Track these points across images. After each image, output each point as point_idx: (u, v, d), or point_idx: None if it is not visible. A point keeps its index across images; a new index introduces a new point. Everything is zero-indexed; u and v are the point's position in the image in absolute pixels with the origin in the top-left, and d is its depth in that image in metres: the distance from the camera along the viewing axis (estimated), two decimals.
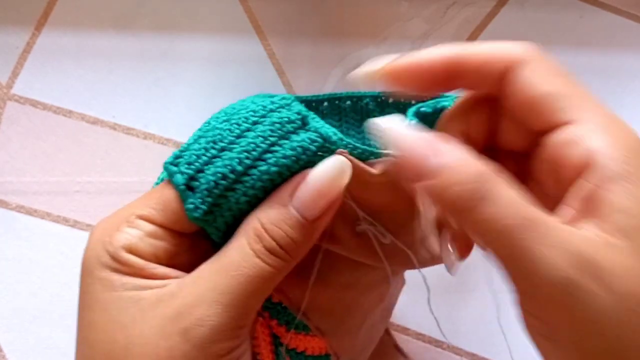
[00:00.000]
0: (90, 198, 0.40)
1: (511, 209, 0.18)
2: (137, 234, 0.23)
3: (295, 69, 0.42)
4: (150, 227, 0.24)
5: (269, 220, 0.23)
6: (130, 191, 0.40)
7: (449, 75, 0.22)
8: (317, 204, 0.22)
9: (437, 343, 0.41)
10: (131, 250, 0.23)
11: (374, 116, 0.38)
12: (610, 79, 0.43)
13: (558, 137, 0.20)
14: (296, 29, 0.42)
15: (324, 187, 0.22)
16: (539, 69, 0.21)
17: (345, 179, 0.23)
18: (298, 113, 0.24)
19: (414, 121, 0.33)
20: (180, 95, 0.41)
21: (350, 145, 0.24)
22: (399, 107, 0.39)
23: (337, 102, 0.39)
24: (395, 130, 0.20)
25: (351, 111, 0.39)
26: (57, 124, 0.41)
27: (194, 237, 0.25)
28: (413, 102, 0.38)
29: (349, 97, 0.38)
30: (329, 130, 0.24)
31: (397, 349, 0.35)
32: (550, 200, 0.20)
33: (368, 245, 0.25)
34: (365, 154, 0.24)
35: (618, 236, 0.18)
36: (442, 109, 0.34)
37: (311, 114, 0.24)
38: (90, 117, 0.41)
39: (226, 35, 0.42)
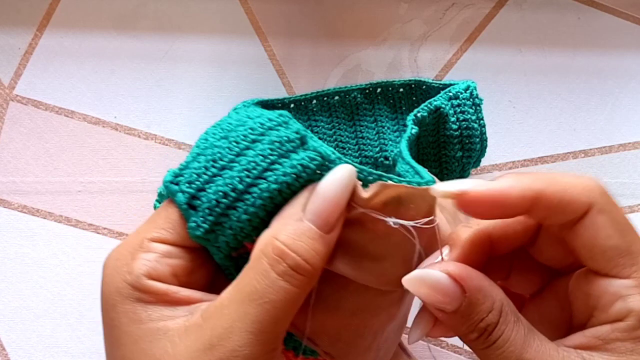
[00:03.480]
0: (93, 198, 0.40)
1: (513, 355, 0.22)
2: (154, 257, 0.23)
3: (295, 69, 0.42)
4: (164, 248, 0.24)
5: (289, 236, 0.22)
6: (132, 191, 0.40)
7: (526, 209, 0.23)
8: (331, 213, 0.22)
9: (437, 342, 0.41)
10: (151, 276, 0.23)
11: (364, 108, 0.39)
12: (607, 80, 0.43)
13: (607, 286, 0.23)
14: (296, 30, 0.42)
15: (335, 196, 0.22)
16: (609, 220, 0.23)
17: (352, 186, 0.23)
18: (297, 132, 0.24)
19: (415, 130, 0.33)
20: (181, 96, 0.41)
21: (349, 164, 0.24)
22: (387, 98, 0.39)
23: (325, 98, 0.39)
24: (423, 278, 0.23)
25: (340, 106, 0.39)
26: (59, 124, 0.41)
27: (207, 252, 0.25)
28: (401, 89, 0.39)
29: (337, 92, 0.39)
30: (328, 150, 0.24)
31: (401, 347, 0.35)
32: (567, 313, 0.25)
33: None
34: (362, 174, 0.24)
35: None
36: (437, 108, 0.35)
37: (309, 133, 0.24)
38: (92, 117, 0.41)
39: (227, 36, 0.42)
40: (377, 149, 0.38)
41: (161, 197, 0.29)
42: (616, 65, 0.43)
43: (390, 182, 0.23)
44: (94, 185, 0.41)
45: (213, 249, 0.24)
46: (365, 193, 0.23)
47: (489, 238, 0.25)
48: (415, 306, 0.35)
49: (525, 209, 0.23)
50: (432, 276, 0.23)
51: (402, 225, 0.23)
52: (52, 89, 0.41)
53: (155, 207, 0.29)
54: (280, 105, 0.37)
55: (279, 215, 0.23)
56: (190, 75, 0.42)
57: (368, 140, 0.38)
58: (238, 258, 0.24)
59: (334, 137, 0.39)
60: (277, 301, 0.22)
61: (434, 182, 0.24)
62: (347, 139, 0.39)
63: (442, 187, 0.23)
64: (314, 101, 0.39)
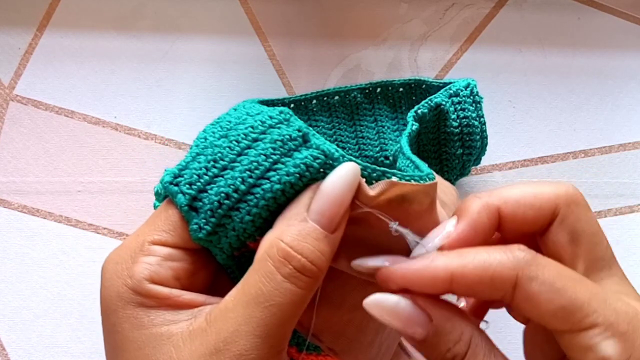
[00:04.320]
0: (92, 198, 0.40)
1: None
2: (155, 260, 0.23)
3: (295, 69, 0.42)
4: (166, 251, 0.23)
5: (293, 237, 0.22)
6: (132, 191, 0.40)
7: (446, 289, 0.23)
8: (336, 212, 0.22)
9: None
10: (153, 280, 0.23)
11: (364, 107, 0.39)
12: (607, 80, 0.43)
13: (573, 340, 0.22)
14: (296, 30, 0.42)
15: (340, 194, 0.22)
16: (542, 285, 0.21)
17: (356, 184, 0.22)
18: (299, 130, 0.23)
19: (415, 126, 0.33)
20: (181, 96, 0.41)
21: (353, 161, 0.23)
22: (387, 97, 0.39)
23: (325, 98, 0.39)
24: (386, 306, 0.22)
25: (340, 106, 0.39)
26: (59, 124, 0.41)
27: (208, 253, 0.25)
28: (401, 89, 0.39)
29: (337, 92, 0.39)
30: (331, 147, 0.23)
31: (401, 347, 0.35)
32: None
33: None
34: (366, 171, 0.23)
35: None
36: (437, 105, 0.35)
37: (311, 131, 0.24)
38: (92, 117, 0.41)
39: (227, 37, 0.42)
40: (377, 149, 0.38)
41: (158, 196, 0.29)
42: (616, 65, 0.43)
43: (395, 178, 0.23)
44: (94, 185, 0.41)
45: (215, 250, 0.24)
46: (371, 191, 0.23)
47: (498, 212, 0.24)
48: None
49: (445, 288, 0.22)
50: (388, 301, 0.22)
51: (398, 229, 0.23)
52: (52, 89, 0.41)
53: (155, 207, 0.29)
54: (280, 105, 0.37)
55: (283, 215, 0.23)
56: (190, 75, 0.42)
57: (368, 140, 0.39)
58: (240, 257, 0.24)
59: (334, 137, 0.39)
60: (284, 304, 0.21)
61: (433, 176, 0.24)
62: (347, 138, 0.39)
63: (359, 262, 0.23)
64: (314, 101, 0.39)
